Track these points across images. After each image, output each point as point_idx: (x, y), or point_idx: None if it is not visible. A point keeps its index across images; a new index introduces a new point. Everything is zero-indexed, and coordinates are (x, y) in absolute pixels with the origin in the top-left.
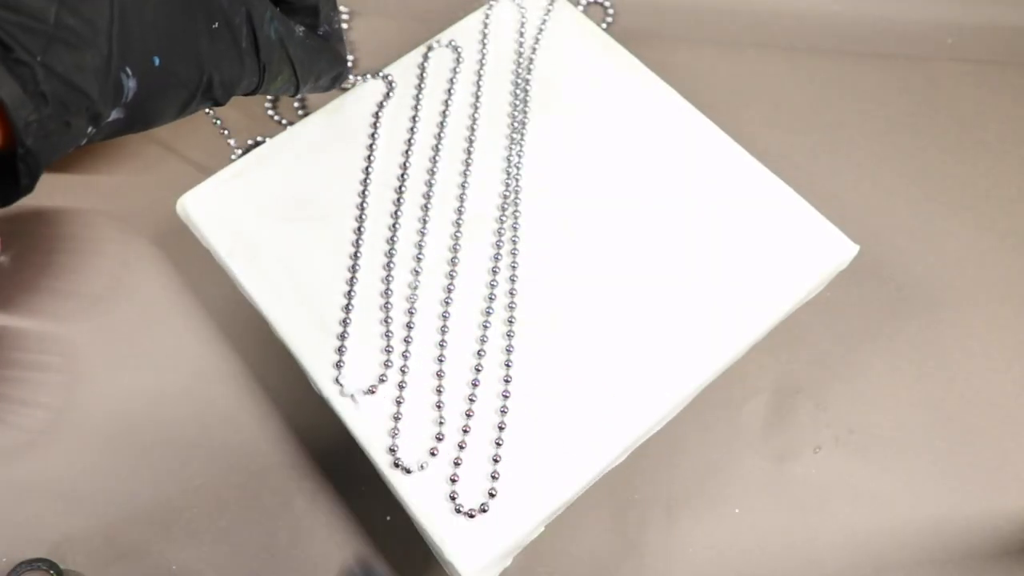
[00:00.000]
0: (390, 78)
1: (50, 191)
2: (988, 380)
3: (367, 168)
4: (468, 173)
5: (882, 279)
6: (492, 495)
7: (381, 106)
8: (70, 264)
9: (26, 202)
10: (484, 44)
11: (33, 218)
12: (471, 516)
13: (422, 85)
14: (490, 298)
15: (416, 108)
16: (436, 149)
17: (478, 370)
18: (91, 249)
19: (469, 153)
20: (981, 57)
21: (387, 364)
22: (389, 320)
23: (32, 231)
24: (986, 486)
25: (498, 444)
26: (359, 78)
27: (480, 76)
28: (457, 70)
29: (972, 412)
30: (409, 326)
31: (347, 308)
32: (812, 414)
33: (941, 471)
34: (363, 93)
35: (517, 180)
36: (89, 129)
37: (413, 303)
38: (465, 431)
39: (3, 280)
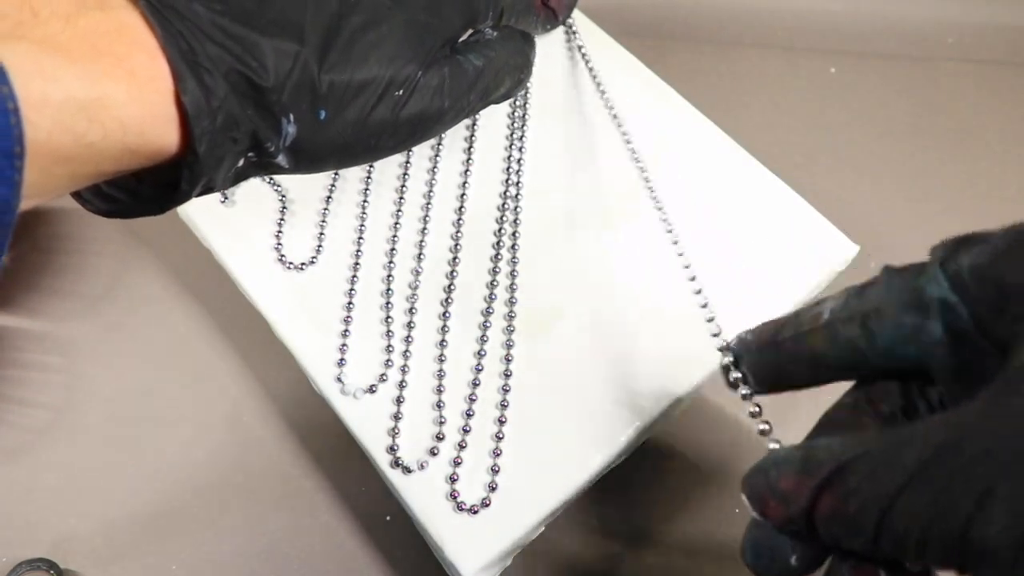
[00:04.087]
0: None
1: None
2: None
3: (368, 167)
4: (468, 173)
5: None
6: (493, 493)
7: None
8: (70, 264)
9: None
10: None
11: (33, 218)
12: (473, 512)
13: None
14: (490, 298)
15: None
16: (436, 149)
17: (478, 369)
18: (91, 249)
19: (469, 153)
20: (981, 57)
21: (388, 363)
22: (390, 320)
23: (32, 231)
24: None
25: (498, 441)
26: None
27: None
28: None
29: None
30: (410, 325)
31: (348, 307)
32: (812, 414)
33: None
34: None
35: (518, 179)
36: (250, 154)
37: (413, 303)
38: (465, 430)
39: (3, 280)
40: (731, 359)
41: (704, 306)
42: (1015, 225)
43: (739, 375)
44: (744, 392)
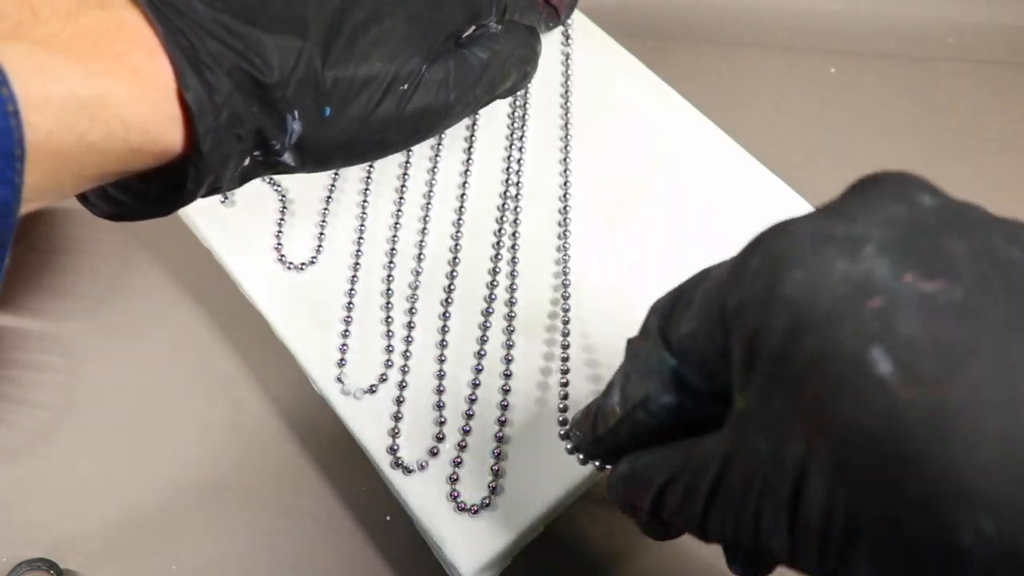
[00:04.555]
0: None
1: None
2: None
3: (368, 168)
4: (468, 173)
5: None
6: (493, 494)
7: None
8: (70, 264)
9: None
10: None
11: (33, 218)
12: (474, 513)
13: None
14: (490, 298)
15: None
16: (436, 149)
17: (479, 370)
18: (91, 249)
19: (469, 153)
20: (981, 57)
21: (388, 363)
22: (390, 320)
23: (32, 231)
24: None
25: (499, 441)
26: None
27: None
28: None
29: None
30: (410, 326)
31: (348, 307)
32: None
33: None
34: None
35: (518, 180)
36: (256, 153)
37: (413, 303)
38: (466, 431)
39: (3, 280)
40: (572, 445)
41: (564, 403)
42: (706, 288)
43: (581, 456)
44: (596, 465)
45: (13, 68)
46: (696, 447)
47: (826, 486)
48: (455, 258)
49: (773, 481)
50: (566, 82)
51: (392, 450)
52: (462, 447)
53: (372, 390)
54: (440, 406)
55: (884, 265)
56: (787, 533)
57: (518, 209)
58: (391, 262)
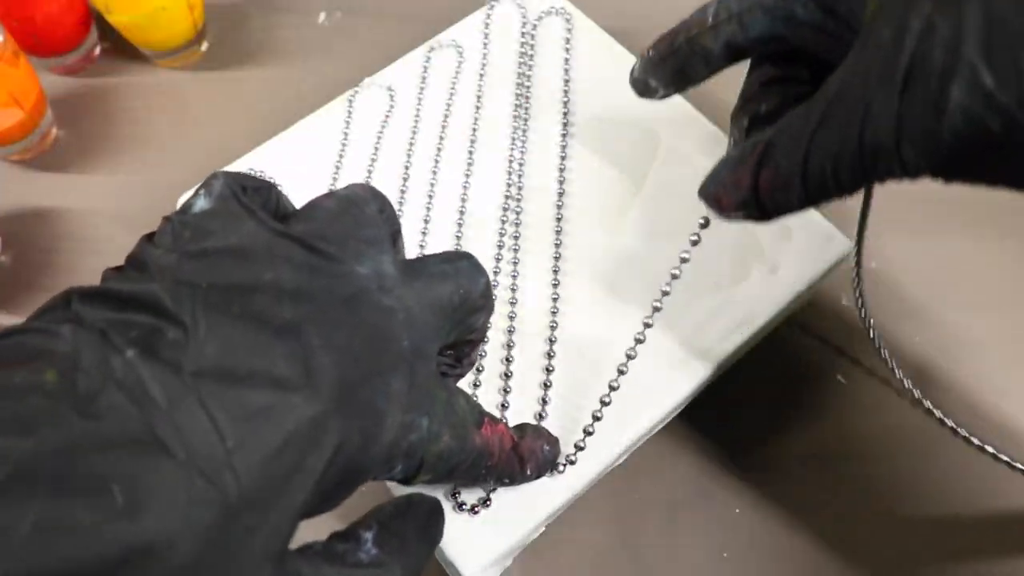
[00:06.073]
0: (390, 87)
1: (50, 191)
2: (984, 380)
3: (369, 168)
4: (470, 173)
5: (879, 278)
6: (493, 493)
7: (383, 106)
8: (70, 264)
9: (26, 202)
10: (486, 43)
11: (33, 218)
12: (474, 512)
13: (424, 85)
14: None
15: (418, 108)
16: (438, 149)
17: (479, 370)
18: (91, 249)
19: (471, 153)
20: None
21: None
22: None
23: (32, 231)
24: (987, 487)
25: None
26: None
27: (482, 75)
28: (459, 70)
29: (970, 416)
30: None
31: None
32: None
33: (943, 472)
34: (366, 93)
35: (519, 179)
36: None
37: None
38: None
39: (3, 280)
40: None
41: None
42: None
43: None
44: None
45: None
46: (809, 98)
47: (955, 20)
48: None
49: (891, 57)
50: (566, 82)
51: None
52: None
53: None
54: None
55: None
56: (897, 102)
57: (519, 210)
58: None
